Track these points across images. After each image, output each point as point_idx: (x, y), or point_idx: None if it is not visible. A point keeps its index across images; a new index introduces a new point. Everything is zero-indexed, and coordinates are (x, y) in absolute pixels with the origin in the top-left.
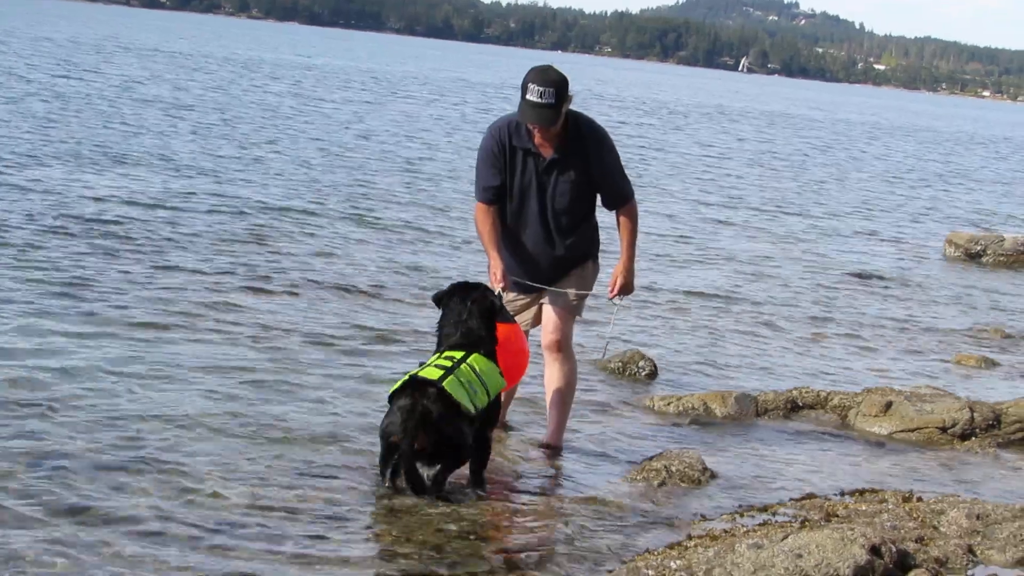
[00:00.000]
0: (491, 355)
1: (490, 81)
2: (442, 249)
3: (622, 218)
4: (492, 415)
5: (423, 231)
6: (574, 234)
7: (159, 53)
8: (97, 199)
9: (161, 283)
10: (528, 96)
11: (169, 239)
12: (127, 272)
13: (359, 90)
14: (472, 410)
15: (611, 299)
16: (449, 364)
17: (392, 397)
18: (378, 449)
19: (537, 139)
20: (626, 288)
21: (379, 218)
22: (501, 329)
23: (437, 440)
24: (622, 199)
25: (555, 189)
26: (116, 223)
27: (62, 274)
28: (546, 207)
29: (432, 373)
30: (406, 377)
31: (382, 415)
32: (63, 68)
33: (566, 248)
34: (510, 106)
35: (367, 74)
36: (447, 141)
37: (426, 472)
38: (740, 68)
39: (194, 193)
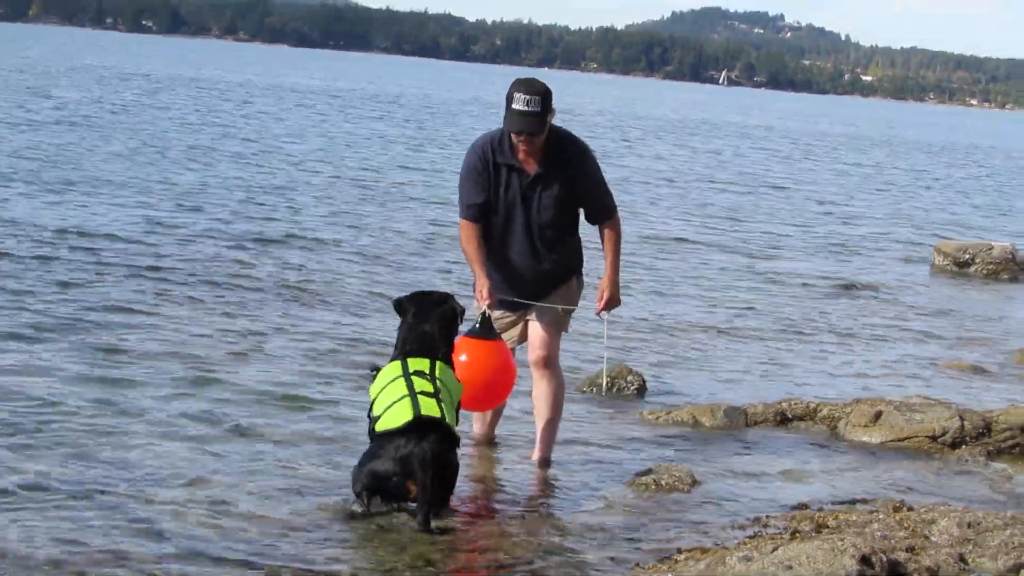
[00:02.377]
0: (448, 361)
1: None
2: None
3: (606, 232)
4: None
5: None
6: (559, 249)
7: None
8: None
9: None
10: (514, 105)
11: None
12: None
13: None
14: (458, 437)
15: (598, 314)
16: (430, 387)
17: (392, 434)
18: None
19: (520, 155)
20: (612, 301)
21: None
22: (487, 346)
23: (442, 478)
24: (606, 213)
25: (539, 204)
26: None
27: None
28: (531, 222)
29: (431, 407)
30: (410, 417)
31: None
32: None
33: (552, 263)
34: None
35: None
36: None
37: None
38: (721, 81)
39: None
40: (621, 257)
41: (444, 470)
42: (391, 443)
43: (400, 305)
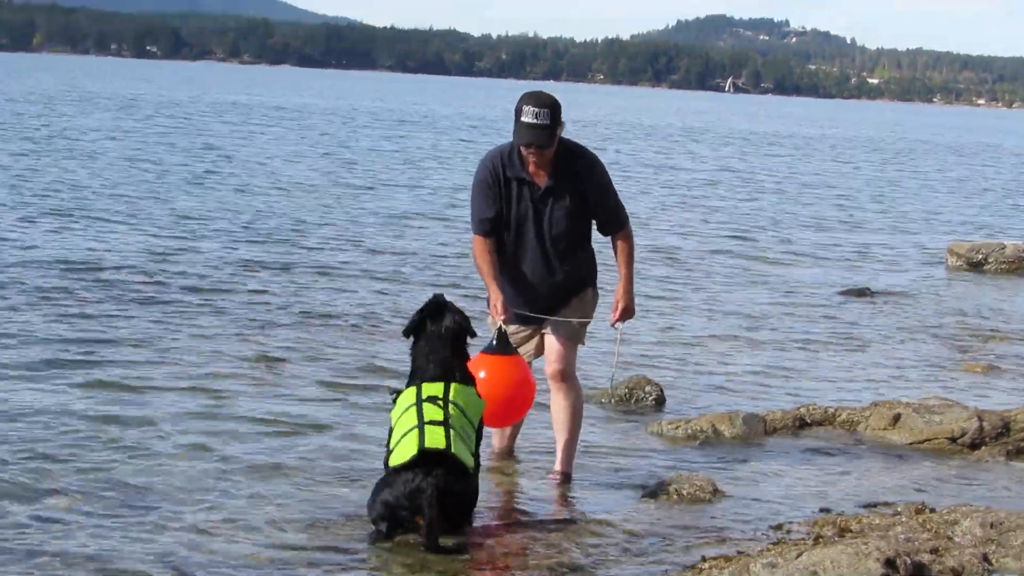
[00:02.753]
0: (465, 380)
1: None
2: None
3: (619, 242)
4: (479, 439)
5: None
6: (572, 260)
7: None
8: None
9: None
10: (523, 118)
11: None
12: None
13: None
14: (472, 463)
15: (613, 325)
16: (440, 415)
17: (401, 469)
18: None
19: (531, 167)
20: (627, 312)
21: None
22: (504, 362)
23: (452, 508)
24: (618, 224)
25: (551, 216)
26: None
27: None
28: (543, 235)
29: (437, 439)
30: (415, 451)
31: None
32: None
33: (565, 274)
34: None
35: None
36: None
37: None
38: (726, 88)
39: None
40: (635, 267)
41: (454, 500)
42: (400, 477)
43: (409, 332)
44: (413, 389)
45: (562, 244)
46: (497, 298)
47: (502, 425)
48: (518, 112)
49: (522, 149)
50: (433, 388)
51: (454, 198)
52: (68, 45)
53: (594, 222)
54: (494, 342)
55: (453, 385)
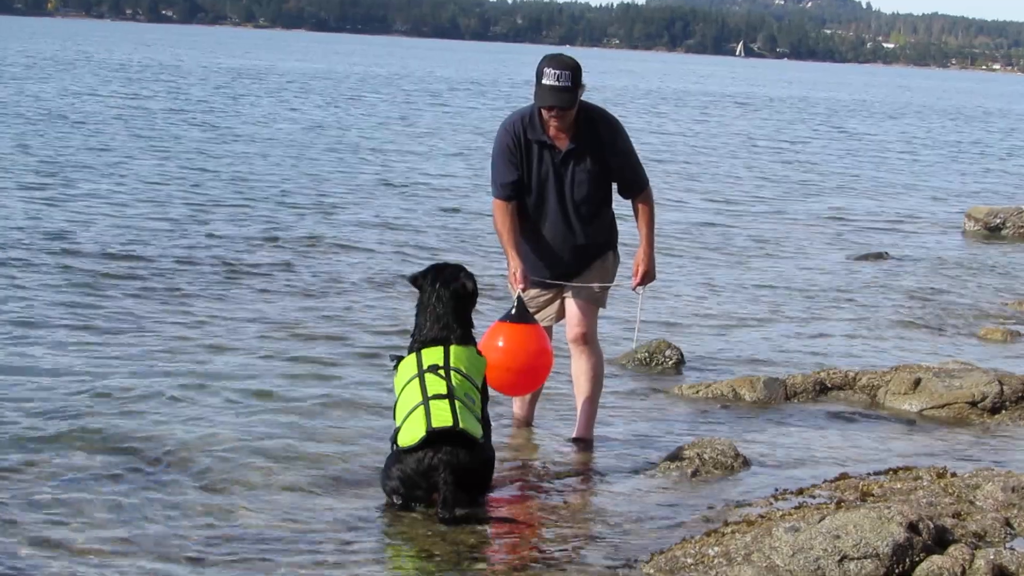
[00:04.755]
0: (466, 340)
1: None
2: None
3: (640, 205)
4: (486, 399)
5: None
6: (593, 223)
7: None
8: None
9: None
10: (544, 80)
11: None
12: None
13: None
14: (481, 431)
15: (635, 289)
16: (443, 387)
17: (411, 450)
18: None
19: (551, 131)
20: (648, 276)
21: None
22: (523, 330)
23: (466, 482)
24: (638, 187)
25: (573, 179)
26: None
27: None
28: (565, 198)
29: (443, 416)
30: (423, 433)
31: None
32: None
33: (587, 236)
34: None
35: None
36: None
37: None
38: (737, 53)
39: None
40: (655, 231)
41: (467, 474)
42: (412, 456)
43: (415, 280)
44: (413, 357)
45: (583, 208)
46: (517, 266)
47: (520, 394)
48: (539, 75)
49: (543, 112)
50: (433, 355)
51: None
52: (83, 9)
53: (614, 185)
54: (513, 310)
55: (452, 348)
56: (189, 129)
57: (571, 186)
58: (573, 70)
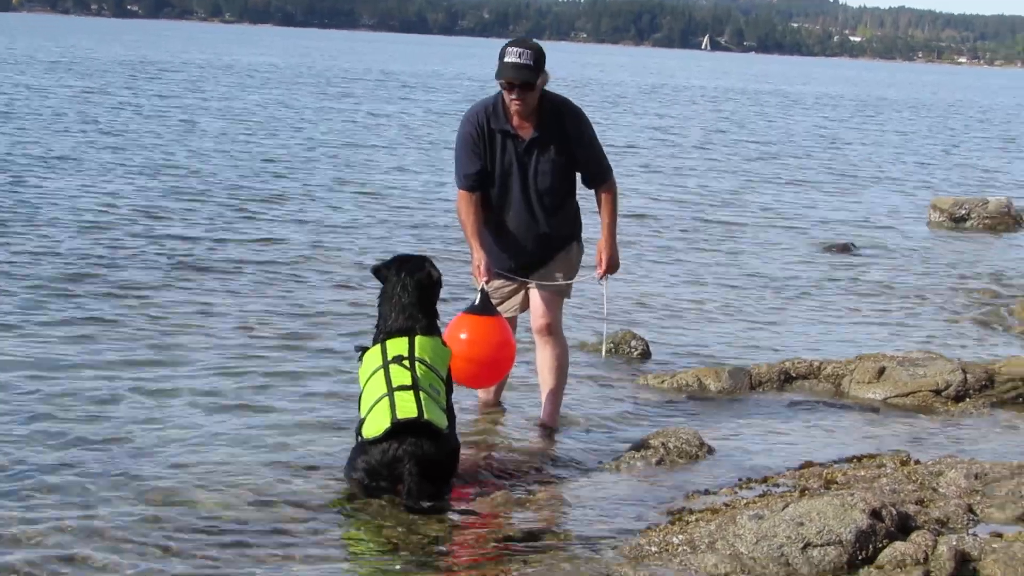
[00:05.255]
0: (431, 330)
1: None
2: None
3: (603, 195)
4: (450, 389)
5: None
6: (558, 215)
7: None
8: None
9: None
10: (506, 59)
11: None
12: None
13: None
14: (445, 422)
15: (599, 279)
16: (408, 377)
17: (375, 441)
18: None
19: (515, 119)
20: (611, 264)
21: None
22: (486, 322)
23: (431, 473)
24: (602, 177)
25: (537, 169)
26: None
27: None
28: (528, 188)
29: (408, 407)
30: (387, 424)
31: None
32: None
33: (551, 227)
34: None
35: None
36: None
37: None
38: (703, 46)
39: None
40: (618, 222)
41: (432, 465)
42: (376, 447)
43: (378, 271)
44: (378, 349)
45: (547, 199)
46: (480, 258)
47: (483, 386)
48: (501, 54)
49: (505, 96)
50: (398, 345)
51: None
52: (48, 5)
53: (578, 175)
54: (476, 302)
55: (417, 339)
56: (143, 123)
57: (535, 176)
58: (535, 51)
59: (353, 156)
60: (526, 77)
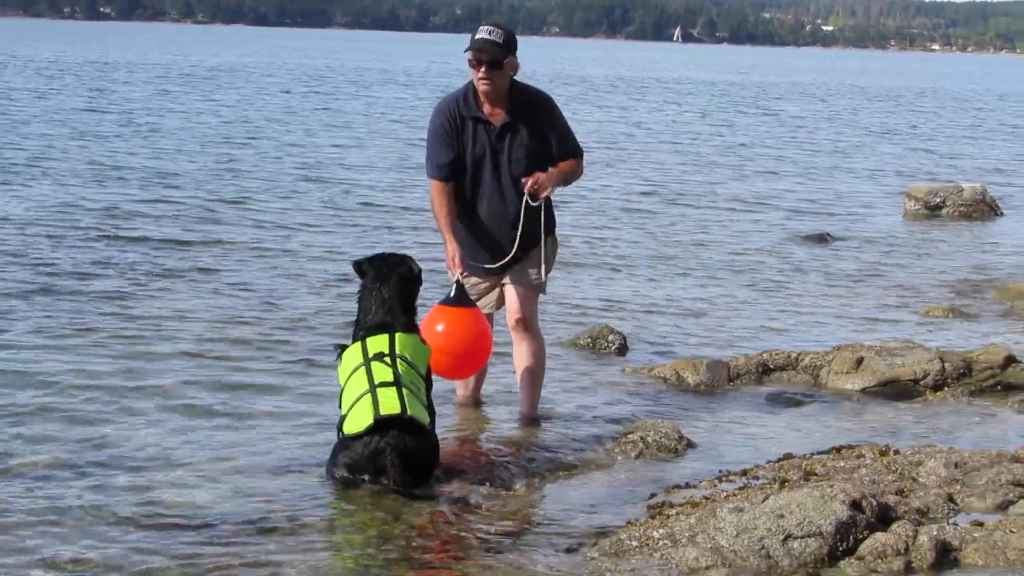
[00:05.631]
0: (410, 327)
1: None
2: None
3: (569, 160)
4: (430, 386)
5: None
6: (531, 208)
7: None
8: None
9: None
10: (477, 35)
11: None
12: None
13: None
14: (427, 418)
15: (526, 191)
16: (390, 374)
17: (358, 436)
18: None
19: (486, 107)
20: (541, 182)
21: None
22: (462, 314)
23: (414, 467)
24: (573, 155)
25: (509, 155)
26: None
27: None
28: (501, 175)
29: (391, 403)
30: (370, 420)
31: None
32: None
33: (524, 219)
34: None
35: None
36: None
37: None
38: (675, 39)
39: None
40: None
41: (415, 460)
42: (359, 442)
43: (359, 267)
44: (358, 346)
45: (520, 185)
46: (454, 250)
47: (460, 377)
48: (473, 33)
49: (473, 76)
50: (378, 342)
51: None
52: (20, 8)
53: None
54: (451, 295)
55: (397, 336)
56: (109, 126)
57: (508, 162)
58: (506, 32)
59: (322, 154)
60: (494, 53)
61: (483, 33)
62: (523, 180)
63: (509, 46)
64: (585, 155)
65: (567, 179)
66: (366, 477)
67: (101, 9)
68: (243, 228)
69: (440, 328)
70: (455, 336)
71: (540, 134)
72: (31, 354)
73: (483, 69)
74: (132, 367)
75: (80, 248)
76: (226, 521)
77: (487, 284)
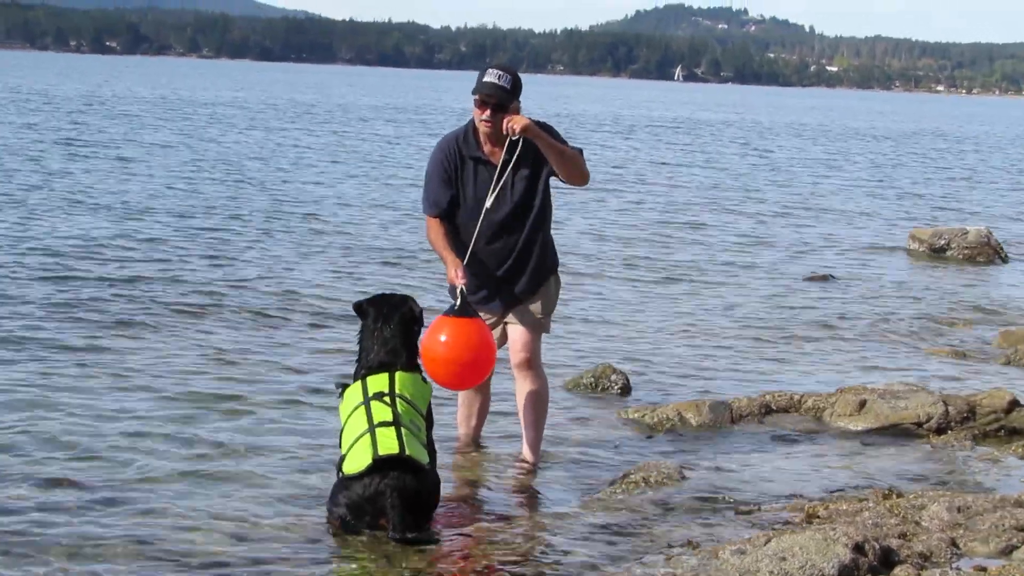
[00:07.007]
0: (412, 367)
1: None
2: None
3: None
4: (431, 425)
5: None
6: (533, 237)
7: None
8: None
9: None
10: (486, 77)
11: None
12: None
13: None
14: (427, 458)
15: (504, 130)
16: (389, 414)
17: (357, 477)
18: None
19: (486, 146)
20: (522, 124)
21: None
22: (465, 324)
23: (413, 507)
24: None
25: (511, 191)
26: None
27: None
28: (501, 211)
29: (389, 443)
30: (369, 461)
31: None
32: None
33: (526, 253)
34: None
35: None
36: None
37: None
38: (676, 77)
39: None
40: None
41: (414, 499)
42: (358, 483)
43: (360, 308)
44: (358, 385)
45: (522, 219)
46: (455, 262)
47: (463, 387)
48: (482, 74)
49: (476, 117)
50: (378, 382)
51: None
52: (26, 41)
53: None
54: (455, 305)
55: (398, 375)
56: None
57: (509, 198)
58: (514, 77)
59: (317, 190)
60: (501, 97)
61: (492, 77)
62: (504, 130)
63: (515, 91)
64: (589, 181)
65: (563, 154)
66: (367, 518)
67: (107, 43)
68: (244, 264)
69: (443, 338)
70: (458, 345)
71: (540, 170)
72: (14, 385)
73: (488, 112)
74: (125, 406)
75: (68, 281)
76: (222, 561)
77: (491, 321)
